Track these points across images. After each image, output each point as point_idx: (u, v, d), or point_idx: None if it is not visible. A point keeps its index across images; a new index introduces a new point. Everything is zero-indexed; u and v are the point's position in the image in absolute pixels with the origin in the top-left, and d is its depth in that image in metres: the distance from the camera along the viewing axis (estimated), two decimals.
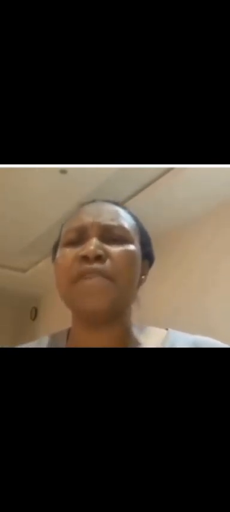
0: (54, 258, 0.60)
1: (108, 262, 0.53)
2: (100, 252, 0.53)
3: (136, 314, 0.60)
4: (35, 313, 3.78)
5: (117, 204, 0.61)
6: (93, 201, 0.62)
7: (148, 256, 0.62)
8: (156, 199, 1.96)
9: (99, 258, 0.52)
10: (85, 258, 0.52)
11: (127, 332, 0.58)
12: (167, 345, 0.57)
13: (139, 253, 0.58)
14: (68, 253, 0.55)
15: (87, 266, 0.52)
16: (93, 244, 0.53)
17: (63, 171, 1.86)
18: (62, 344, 0.61)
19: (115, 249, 0.54)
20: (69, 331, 0.62)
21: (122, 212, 0.59)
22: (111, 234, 0.55)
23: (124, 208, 0.62)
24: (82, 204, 0.62)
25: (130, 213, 0.62)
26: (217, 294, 1.97)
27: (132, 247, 0.56)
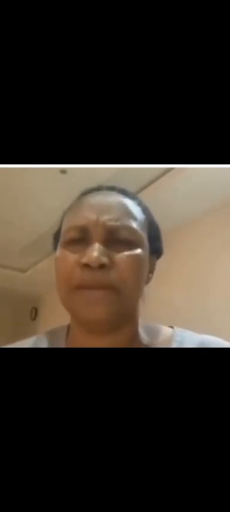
0: (55, 247, 0.57)
1: (112, 271, 0.49)
2: (104, 260, 0.48)
3: (140, 309, 0.58)
4: (35, 313, 3.78)
5: (125, 193, 0.56)
6: (99, 188, 0.57)
7: (156, 251, 0.59)
8: (156, 199, 1.95)
9: (102, 267, 0.48)
10: (87, 266, 0.48)
11: (133, 335, 0.55)
12: (173, 345, 0.54)
13: (147, 254, 0.54)
14: (69, 256, 0.51)
15: (90, 276, 0.48)
16: (96, 250, 0.48)
17: (63, 171, 1.86)
18: (61, 341, 0.59)
19: (120, 255, 0.50)
20: (68, 327, 0.60)
21: (130, 205, 0.54)
22: (117, 236, 0.50)
23: (133, 198, 0.56)
24: (85, 192, 0.57)
25: (139, 203, 0.57)
26: (218, 294, 1.97)
27: (139, 251, 0.51)
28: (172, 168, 1.79)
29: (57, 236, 0.58)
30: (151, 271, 0.58)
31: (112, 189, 0.57)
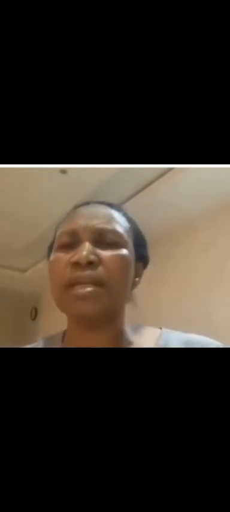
0: (49, 258, 0.60)
1: (100, 268, 0.53)
2: (92, 257, 0.52)
3: (133, 315, 0.60)
4: (35, 313, 3.77)
5: (111, 206, 0.61)
6: (88, 203, 0.62)
7: (142, 258, 0.62)
8: (156, 199, 1.96)
9: (91, 264, 0.52)
10: (77, 264, 0.52)
11: (120, 333, 0.58)
12: (160, 345, 0.57)
13: (132, 257, 0.58)
14: (61, 258, 0.55)
15: (79, 273, 0.52)
16: (85, 249, 0.52)
17: (63, 171, 1.86)
18: (57, 346, 0.61)
19: (107, 254, 0.54)
20: (64, 333, 0.63)
21: (116, 215, 0.59)
22: (104, 238, 0.55)
23: (119, 210, 0.61)
24: (77, 206, 0.62)
25: (125, 214, 0.61)
26: (218, 294, 1.97)
27: (124, 251, 0.55)
28: (172, 168, 1.79)
29: (51, 247, 0.61)
30: (138, 276, 0.61)
31: (100, 203, 0.61)
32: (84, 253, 0.52)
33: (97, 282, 0.52)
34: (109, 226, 0.56)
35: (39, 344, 0.63)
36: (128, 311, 0.60)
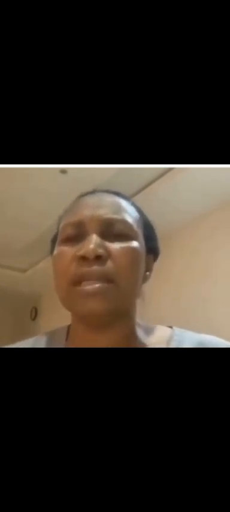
0: (52, 252, 0.57)
1: (108, 262, 0.49)
2: (100, 251, 0.48)
3: (140, 310, 0.58)
4: (35, 313, 3.78)
5: (118, 194, 0.56)
6: (93, 191, 0.58)
7: (152, 251, 0.58)
8: (156, 199, 1.96)
9: (99, 258, 0.48)
10: (84, 259, 0.48)
11: (131, 332, 0.55)
12: (172, 345, 0.54)
13: (142, 250, 0.54)
14: (66, 252, 0.51)
15: (86, 269, 0.48)
16: (92, 242, 0.48)
17: (63, 171, 1.86)
18: (61, 342, 0.59)
19: (116, 247, 0.50)
20: (68, 328, 0.60)
21: (124, 204, 0.54)
22: (112, 229, 0.51)
23: (127, 199, 0.57)
24: (81, 195, 0.58)
25: (133, 204, 0.57)
26: (218, 292, 1.97)
27: (135, 244, 0.51)
28: (172, 168, 1.79)
29: (54, 240, 0.58)
30: (148, 269, 0.58)
31: (106, 191, 0.57)
32: (92, 246, 0.48)
33: (106, 278, 0.48)
34: (117, 216, 0.51)
35: (41, 339, 0.60)
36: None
